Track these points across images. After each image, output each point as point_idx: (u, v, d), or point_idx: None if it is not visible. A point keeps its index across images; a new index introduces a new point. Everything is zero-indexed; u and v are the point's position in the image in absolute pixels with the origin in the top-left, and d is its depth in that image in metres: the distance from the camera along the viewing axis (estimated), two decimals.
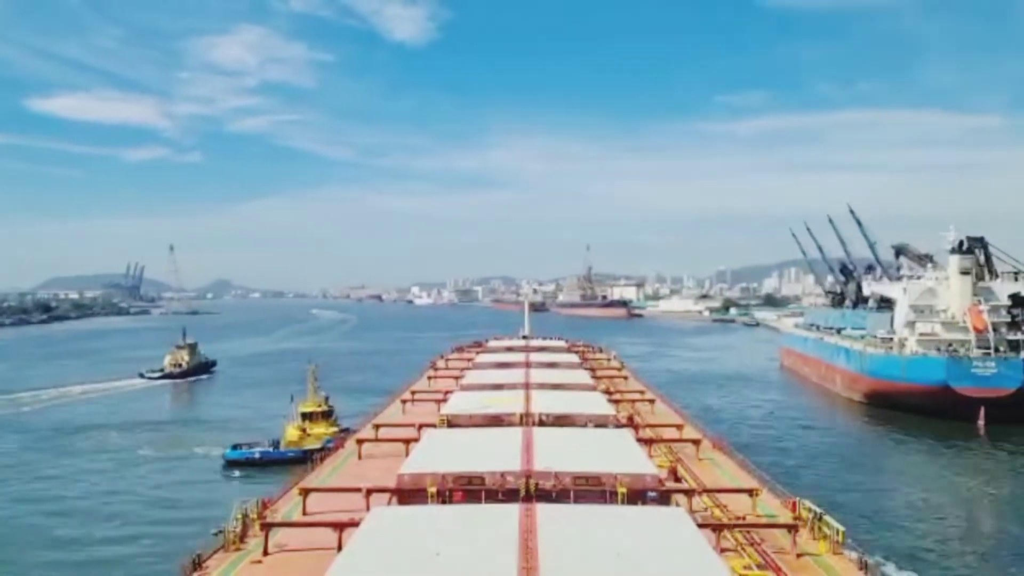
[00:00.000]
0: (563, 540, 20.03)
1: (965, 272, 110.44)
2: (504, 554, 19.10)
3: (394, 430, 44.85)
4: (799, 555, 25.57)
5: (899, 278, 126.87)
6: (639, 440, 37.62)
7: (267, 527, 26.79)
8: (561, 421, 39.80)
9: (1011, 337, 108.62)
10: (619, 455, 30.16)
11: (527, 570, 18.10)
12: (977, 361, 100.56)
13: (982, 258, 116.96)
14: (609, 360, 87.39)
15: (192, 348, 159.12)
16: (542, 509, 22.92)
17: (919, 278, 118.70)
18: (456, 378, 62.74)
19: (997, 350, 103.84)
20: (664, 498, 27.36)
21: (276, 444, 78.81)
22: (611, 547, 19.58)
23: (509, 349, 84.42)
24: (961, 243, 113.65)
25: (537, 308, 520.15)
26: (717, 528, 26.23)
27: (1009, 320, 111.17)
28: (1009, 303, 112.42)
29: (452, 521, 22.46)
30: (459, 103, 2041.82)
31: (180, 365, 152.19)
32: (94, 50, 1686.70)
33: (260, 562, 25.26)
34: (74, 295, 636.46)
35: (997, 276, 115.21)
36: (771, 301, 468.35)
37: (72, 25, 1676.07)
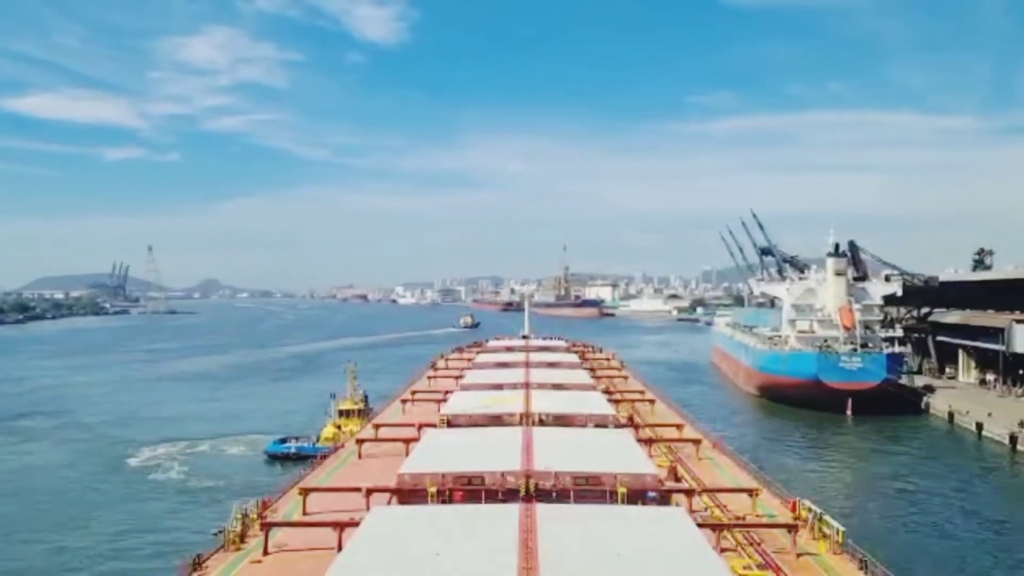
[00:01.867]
0: (563, 540, 20.03)
1: (839, 273, 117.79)
2: (504, 554, 19.09)
3: (394, 430, 44.84)
4: (799, 555, 25.56)
5: (783, 279, 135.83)
6: (639, 440, 37.63)
7: (267, 527, 26.78)
8: (561, 421, 39.79)
9: (884, 334, 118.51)
10: (619, 455, 30.16)
11: (527, 570, 18.09)
12: (844, 356, 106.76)
13: (867, 259, 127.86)
14: (609, 360, 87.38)
15: None
16: (542, 509, 22.92)
17: (803, 279, 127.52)
18: (456, 378, 62.74)
19: (865, 346, 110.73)
20: (664, 498, 27.35)
21: (318, 439, 79.47)
22: (611, 547, 19.57)
23: (509, 349, 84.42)
24: (837, 246, 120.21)
25: (514, 308, 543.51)
26: (717, 528, 26.20)
27: (882, 318, 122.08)
28: (882, 303, 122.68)
29: (452, 521, 22.45)
30: (434, 103, 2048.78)
31: None
32: (57, 49, 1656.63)
33: (260, 562, 25.25)
34: (60, 295, 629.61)
35: (867, 278, 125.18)
36: (740, 301, 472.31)
37: (31, 23, 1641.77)
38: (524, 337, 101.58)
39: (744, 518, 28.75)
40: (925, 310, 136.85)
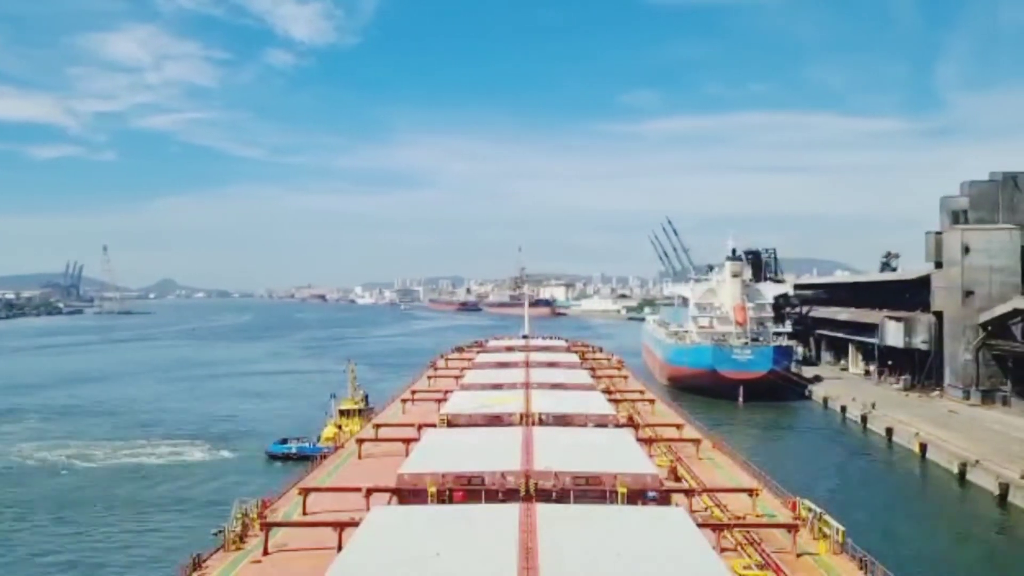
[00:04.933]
0: (563, 540, 20.02)
1: (735, 275, 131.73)
2: (504, 554, 19.08)
3: (394, 430, 44.84)
4: (799, 555, 25.55)
5: (688, 280, 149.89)
6: (639, 440, 37.64)
7: (267, 527, 26.77)
8: (561, 421, 39.78)
9: (775, 329, 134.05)
10: (619, 455, 30.16)
11: (527, 570, 18.08)
12: (737, 349, 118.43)
13: (772, 263, 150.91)
14: (609, 360, 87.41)
15: None
16: (542, 509, 22.91)
17: (707, 280, 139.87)
18: (456, 378, 62.72)
19: (756, 340, 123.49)
20: (664, 498, 27.36)
21: (318, 440, 79.11)
22: (611, 547, 19.57)
23: (509, 349, 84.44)
24: (734, 251, 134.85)
25: (469, 308, 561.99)
26: (717, 528, 26.20)
27: (773, 315, 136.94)
28: (772, 301, 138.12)
29: (452, 521, 22.45)
30: (366, 102, 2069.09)
31: None
32: None
33: (260, 562, 25.23)
34: (11, 295, 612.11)
35: (767, 279, 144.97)
36: (686, 301, 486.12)
37: None
38: (524, 337, 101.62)
39: (744, 518, 28.75)
40: (813, 308, 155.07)
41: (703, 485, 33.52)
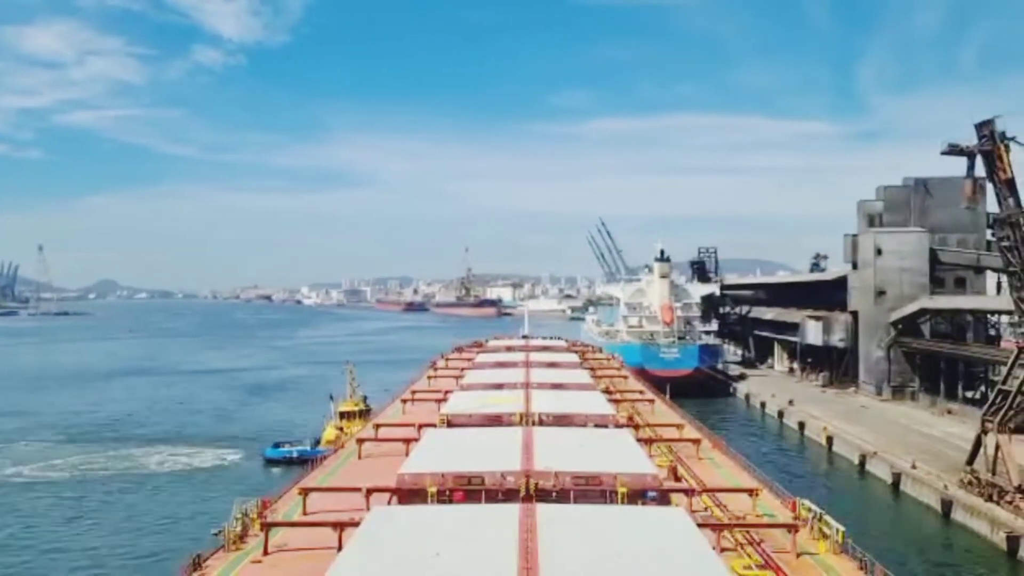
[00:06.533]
0: (563, 540, 20.01)
1: (663, 276, 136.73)
2: (504, 554, 19.08)
3: (394, 430, 44.80)
4: (799, 555, 25.54)
5: (618, 281, 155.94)
6: (639, 440, 37.60)
7: (267, 527, 26.74)
8: (561, 421, 39.75)
9: (703, 328, 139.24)
10: (619, 455, 30.15)
11: (527, 570, 18.08)
12: (664, 347, 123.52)
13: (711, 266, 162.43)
14: (609, 360, 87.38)
15: None
16: (542, 509, 22.90)
17: (638, 280, 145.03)
18: (456, 378, 62.69)
19: (682, 339, 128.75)
20: (664, 498, 27.35)
21: (317, 442, 78.71)
22: (611, 547, 19.57)
23: (509, 349, 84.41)
24: (662, 252, 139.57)
25: (415, 308, 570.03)
26: (717, 528, 26.17)
27: (700, 314, 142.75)
28: (699, 301, 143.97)
29: (452, 521, 22.45)
30: (297, 100, 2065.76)
31: None
32: None
33: (260, 562, 25.22)
34: None
35: (709, 280, 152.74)
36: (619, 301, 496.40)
37: None
38: (524, 337, 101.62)
39: (744, 518, 28.74)
40: (746, 308, 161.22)
41: (703, 485, 33.49)
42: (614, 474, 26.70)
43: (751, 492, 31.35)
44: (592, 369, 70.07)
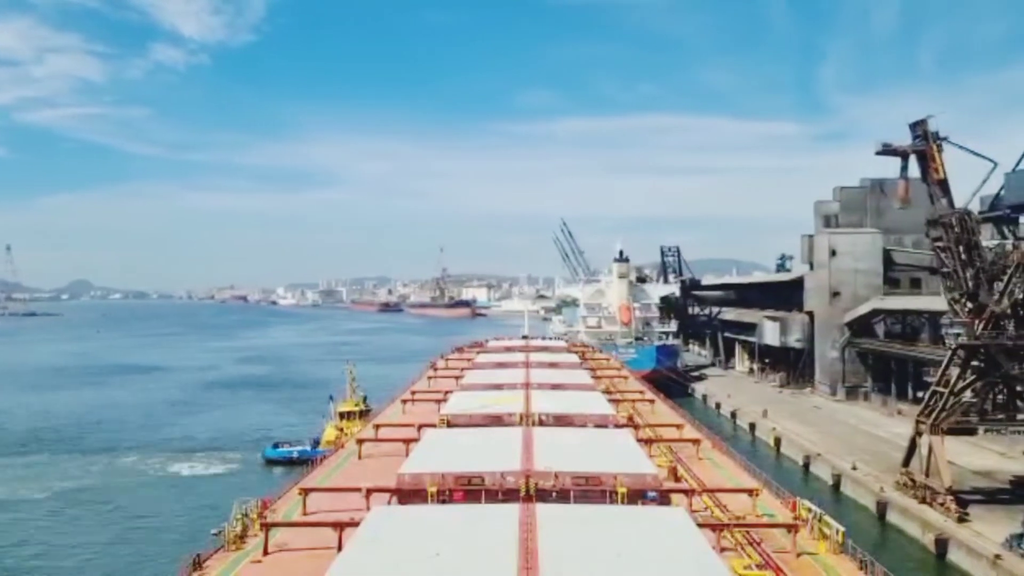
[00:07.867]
0: (563, 540, 20.02)
1: (622, 276, 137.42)
2: (504, 554, 19.09)
3: (394, 430, 44.80)
4: (799, 555, 25.54)
5: (578, 281, 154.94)
6: (639, 440, 37.62)
7: (267, 527, 26.73)
8: (561, 421, 39.79)
9: (661, 328, 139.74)
10: (619, 455, 30.16)
11: (527, 570, 18.09)
12: (622, 348, 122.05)
13: (678, 265, 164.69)
14: (609, 360, 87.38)
15: None
16: (542, 509, 22.91)
17: (597, 281, 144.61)
18: (456, 378, 62.71)
19: (640, 339, 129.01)
20: (664, 498, 27.36)
21: (316, 443, 78.15)
22: (611, 547, 19.57)
23: (509, 349, 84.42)
24: (621, 252, 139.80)
25: (390, 308, 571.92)
26: (717, 528, 26.17)
27: (659, 315, 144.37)
28: (658, 301, 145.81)
29: (452, 521, 22.45)
30: (265, 100, 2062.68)
31: None
32: None
33: (260, 562, 25.21)
34: None
35: (668, 281, 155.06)
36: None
37: None
38: (524, 337, 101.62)
39: (744, 518, 28.72)
40: (717, 309, 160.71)
41: (703, 485, 33.49)
42: (614, 474, 26.70)
43: (751, 492, 31.33)
44: (592, 369, 70.09)
